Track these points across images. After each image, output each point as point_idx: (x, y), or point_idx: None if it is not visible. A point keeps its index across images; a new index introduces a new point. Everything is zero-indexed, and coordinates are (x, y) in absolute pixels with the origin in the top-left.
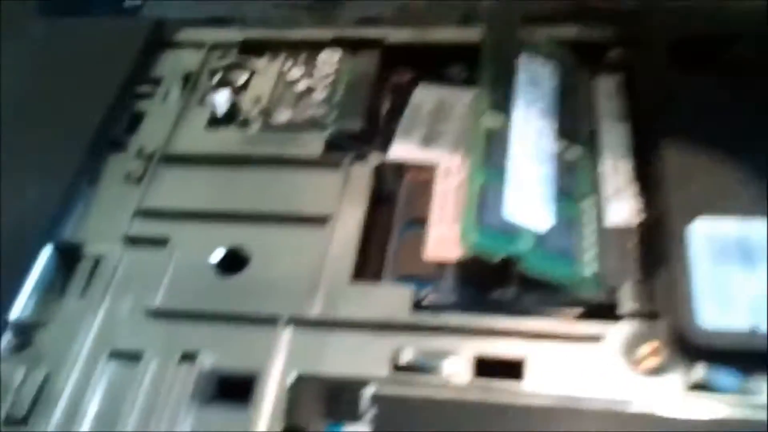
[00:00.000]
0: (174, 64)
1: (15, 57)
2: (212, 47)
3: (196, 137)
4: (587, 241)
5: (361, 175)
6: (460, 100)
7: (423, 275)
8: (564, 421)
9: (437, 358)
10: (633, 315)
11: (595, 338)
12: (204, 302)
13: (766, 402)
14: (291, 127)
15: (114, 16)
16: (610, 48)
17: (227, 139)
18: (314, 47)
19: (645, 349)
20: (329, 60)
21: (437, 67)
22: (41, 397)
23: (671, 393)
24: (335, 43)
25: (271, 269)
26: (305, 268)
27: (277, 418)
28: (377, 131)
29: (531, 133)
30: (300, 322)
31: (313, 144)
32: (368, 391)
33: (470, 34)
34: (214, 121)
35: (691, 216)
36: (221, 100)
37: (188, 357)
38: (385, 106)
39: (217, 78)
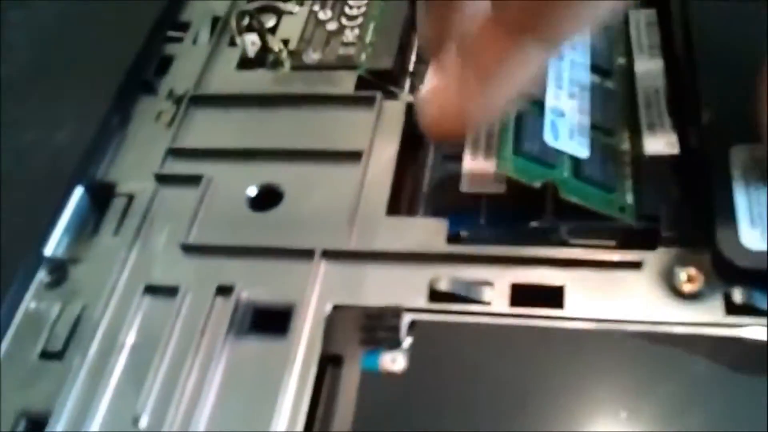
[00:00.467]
0: (202, 8)
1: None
2: None
3: (226, 78)
4: (625, 171)
5: (393, 112)
6: None
7: (458, 208)
8: (604, 345)
9: (474, 286)
10: (672, 241)
11: (634, 265)
12: (238, 237)
13: None
14: (322, 66)
15: None
16: None
17: (258, 80)
18: None
19: (685, 273)
20: (359, 0)
21: None
22: (77, 332)
23: (711, 316)
24: None
25: (305, 205)
26: (339, 203)
27: (314, 347)
28: (408, 70)
29: (566, 66)
30: (335, 255)
31: (345, 82)
32: (405, 319)
33: None
34: (245, 63)
35: (729, 143)
36: (250, 43)
37: (224, 290)
38: (416, 45)
39: (245, 21)
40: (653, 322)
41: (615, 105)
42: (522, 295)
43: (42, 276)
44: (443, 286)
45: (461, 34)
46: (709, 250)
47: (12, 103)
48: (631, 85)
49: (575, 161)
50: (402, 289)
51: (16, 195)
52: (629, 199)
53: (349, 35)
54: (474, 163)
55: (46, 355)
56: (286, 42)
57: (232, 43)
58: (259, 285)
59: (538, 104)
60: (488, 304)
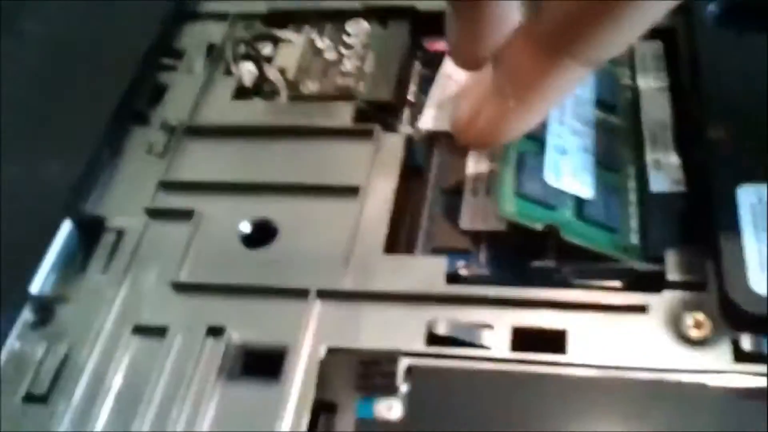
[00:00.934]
0: (197, 35)
1: (37, 26)
2: (236, 18)
3: (221, 108)
4: (629, 209)
5: (391, 145)
6: None
7: (458, 247)
8: (608, 392)
9: (474, 330)
10: (678, 284)
11: (639, 309)
12: (231, 275)
13: None
14: (320, 97)
15: None
16: None
17: (254, 110)
18: (342, 17)
19: (692, 318)
20: (358, 29)
21: None
22: (62, 374)
23: (719, 363)
24: (364, 12)
25: (301, 241)
26: (336, 240)
27: (307, 393)
28: (407, 101)
29: (569, 102)
30: (331, 295)
31: (343, 114)
32: (403, 364)
33: None
34: (241, 93)
35: (736, 182)
36: (246, 71)
37: (214, 331)
38: (415, 76)
39: (241, 49)
40: (659, 369)
41: (620, 141)
42: (523, 338)
43: (27, 315)
44: (442, 329)
45: (494, 44)
46: (716, 294)
47: None
48: (636, 120)
49: (578, 201)
50: (399, 332)
51: (2, 228)
52: (634, 239)
53: (348, 65)
54: (474, 200)
55: (30, 398)
56: (283, 71)
57: (228, 72)
58: (251, 326)
59: (539, 141)
60: (488, 348)
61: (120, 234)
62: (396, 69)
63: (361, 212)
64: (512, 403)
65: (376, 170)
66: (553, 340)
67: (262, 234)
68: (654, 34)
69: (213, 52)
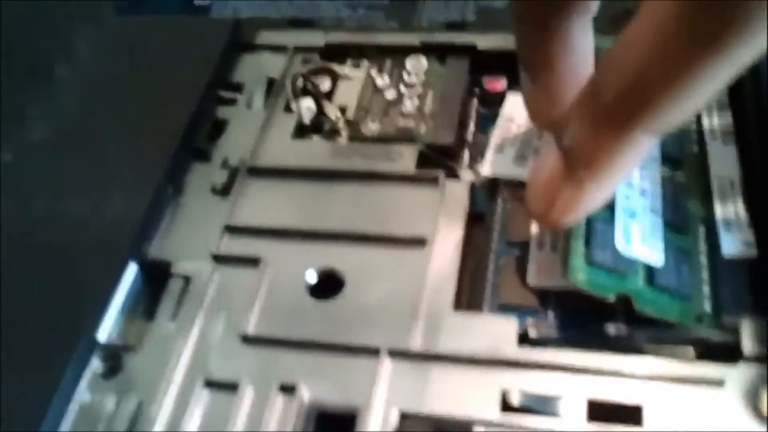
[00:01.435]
0: (255, 68)
1: (93, 60)
2: (294, 51)
3: (282, 148)
4: (701, 275)
5: (456, 193)
6: None
7: (525, 305)
8: None
9: (549, 400)
10: (755, 358)
11: (715, 382)
12: (299, 328)
13: None
14: (381, 138)
15: (190, 16)
16: None
17: (315, 151)
18: (400, 52)
19: None
20: (417, 67)
21: None
22: (135, 429)
23: None
24: (423, 48)
25: (368, 294)
26: (403, 293)
27: None
28: (466, 142)
29: None
30: (401, 354)
31: (405, 158)
32: None
33: None
34: (300, 130)
35: None
36: (305, 108)
37: (286, 389)
38: (474, 115)
39: (300, 83)
40: None
41: (688, 200)
42: (598, 408)
43: (96, 364)
44: (516, 399)
45: (561, 114)
46: None
47: (60, 167)
48: (704, 176)
49: (649, 268)
50: (472, 397)
51: (66, 271)
52: (707, 306)
53: (408, 105)
54: (540, 254)
55: None
56: (343, 110)
57: (288, 108)
58: (321, 383)
59: (608, 205)
60: (564, 419)
61: (187, 280)
62: (457, 110)
63: (428, 265)
64: None
65: (442, 220)
66: (629, 411)
67: (328, 284)
68: None
69: (272, 87)
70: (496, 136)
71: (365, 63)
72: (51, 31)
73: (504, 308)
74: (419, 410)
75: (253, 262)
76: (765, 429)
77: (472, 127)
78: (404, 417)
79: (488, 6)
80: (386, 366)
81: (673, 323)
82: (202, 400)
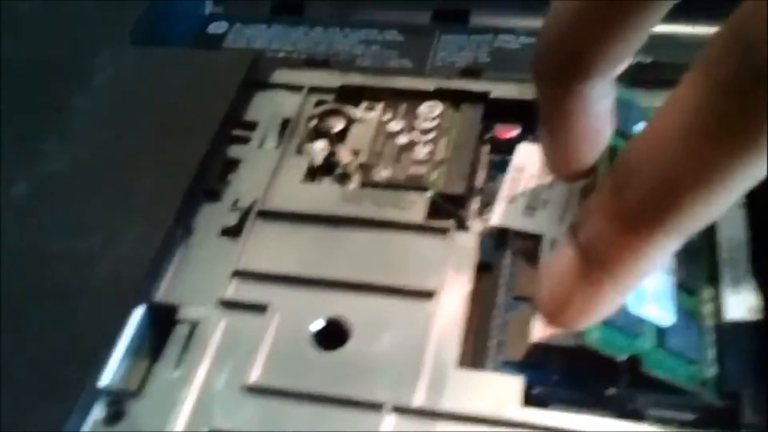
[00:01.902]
0: (269, 107)
1: (110, 91)
2: (309, 91)
3: (293, 191)
4: (707, 338)
5: (465, 244)
6: None
7: (530, 362)
8: None
9: None
10: (755, 427)
11: None
12: (303, 379)
13: None
14: (392, 185)
15: (209, 51)
16: None
17: (326, 196)
18: (415, 97)
19: None
20: (430, 112)
21: None
22: None
23: None
24: (438, 94)
25: (373, 346)
26: (408, 347)
27: None
28: (476, 189)
29: None
30: (404, 411)
31: (416, 206)
32: None
33: None
34: (312, 172)
35: None
36: (319, 150)
37: None
38: (486, 163)
39: (313, 124)
40: None
41: (697, 261)
42: None
43: (98, 410)
44: None
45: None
46: None
47: (71, 203)
48: (712, 237)
49: (659, 330)
50: None
51: (72, 311)
52: (711, 371)
53: (421, 151)
54: None
55: None
56: (355, 153)
57: (300, 149)
58: None
59: None
60: None
61: (193, 326)
62: (469, 159)
63: (435, 319)
64: None
65: (450, 272)
66: None
67: (334, 333)
68: None
69: (286, 128)
70: (506, 186)
71: (379, 106)
72: (70, 58)
73: (509, 365)
74: None
75: (260, 308)
76: None
77: (482, 174)
78: None
79: (502, 47)
80: (388, 422)
81: (677, 387)
82: None
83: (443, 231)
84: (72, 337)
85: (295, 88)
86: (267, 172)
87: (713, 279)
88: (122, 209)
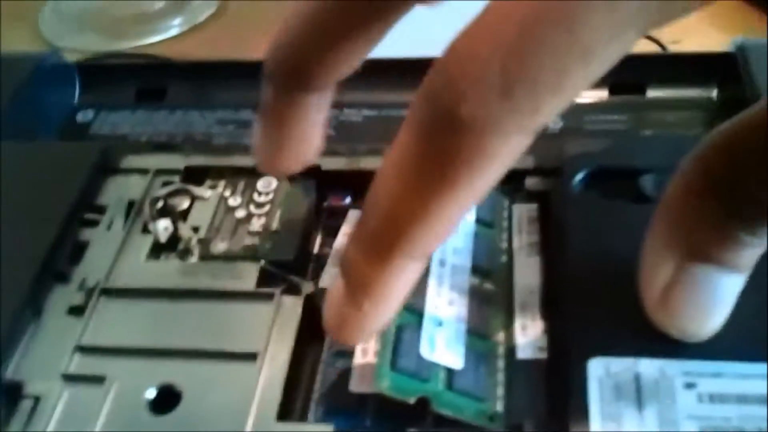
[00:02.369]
0: (119, 190)
1: None
2: (156, 173)
3: (136, 269)
4: (497, 377)
5: (290, 307)
6: None
7: (347, 410)
8: None
9: None
10: None
11: None
12: None
13: None
14: (228, 257)
15: (62, 142)
16: (528, 176)
17: (166, 271)
18: (254, 173)
19: None
20: (267, 187)
21: None
22: None
23: None
24: None
25: (202, 407)
26: (234, 406)
27: None
28: (312, 257)
29: (447, 272)
30: None
31: (249, 275)
32: None
33: None
34: (157, 249)
35: (589, 353)
36: (162, 229)
37: None
38: (321, 232)
39: (159, 205)
40: None
41: (493, 307)
42: None
43: None
44: None
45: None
46: None
47: None
48: (510, 285)
49: (449, 372)
50: None
51: None
52: (499, 407)
53: (256, 223)
54: (363, 362)
55: None
56: (196, 229)
57: (146, 229)
58: None
59: (418, 313)
60: None
61: (37, 400)
62: (300, 228)
63: (257, 379)
64: None
65: (275, 334)
66: None
67: (168, 398)
68: (531, 196)
69: (132, 209)
70: (335, 249)
71: (222, 184)
72: None
73: (328, 415)
74: None
75: (98, 380)
76: None
77: (318, 241)
78: None
79: (346, 120)
80: None
81: (470, 424)
82: None
83: (270, 296)
84: None
85: (142, 172)
86: (113, 251)
87: (509, 323)
88: None
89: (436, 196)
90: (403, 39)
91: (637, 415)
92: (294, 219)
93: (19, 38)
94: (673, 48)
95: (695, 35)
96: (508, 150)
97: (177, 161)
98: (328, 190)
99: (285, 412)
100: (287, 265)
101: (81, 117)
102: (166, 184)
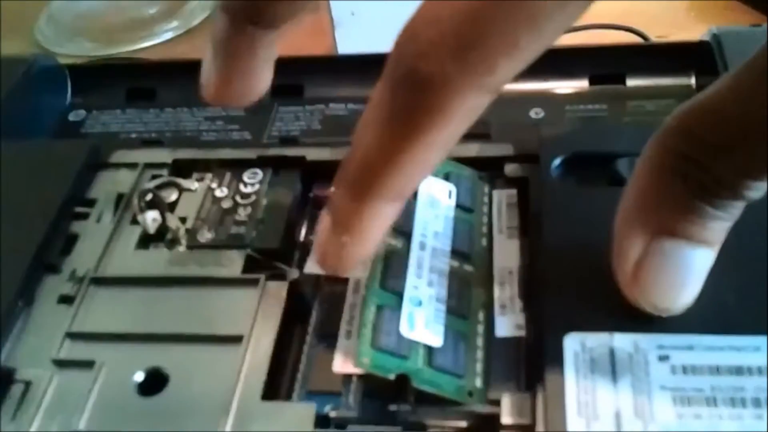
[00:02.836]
0: (108, 184)
1: None
2: (144, 167)
3: (125, 258)
4: (477, 354)
5: (276, 292)
6: None
7: (330, 390)
8: None
9: None
10: (510, 427)
11: None
12: (127, 424)
13: None
14: (214, 245)
15: (53, 140)
16: (507, 162)
17: (155, 260)
18: (239, 166)
19: None
20: (252, 178)
21: None
22: None
23: None
24: (259, 162)
25: (189, 389)
26: (219, 387)
27: None
28: (297, 245)
29: (426, 254)
30: None
31: (234, 263)
32: None
33: None
34: (145, 241)
35: (565, 329)
36: (150, 220)
37: None
38: (306, 220)
39: (148, 197)
40: None
41: (472, 288)
42: None
43: None
44: None
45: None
46: None
47: None
48: (489, 267)
49: (429, 350)
50: None
51: None
52: (479, 383)
53: (242, 213)
54: (347, 343)
55: None
56: (183, 220)
57: (135, 221)
58: None
59: (399, 294)
60: None
61: (28, 384)
62: (284, 217)
63: (242, 360)
64: None
65: (260, 318)
66: None
67: (155, 381)
68: (510, 182)
69: (121, 202)
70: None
71: (209, 176)
72: None
73: (311, 395)
74: None
75: (88, 365)
76: None
77: (304, 229)
78: None
79: (332, 114)
80: None
81: (450, 399)
82: None
83: (255, 282)
84: None
85: (131, 166)
86: (102, 242)
87: (488, 303)
88: None
89: (404, 145)
90: (393, 36)
91: (612, 386)
92: (279, 208)
93: (15, 47)
94: None
95: (683, 31)
96: (465, 107)
97: (165, 155)
98: (313, 180)
99: (270, 393)
100: (273, 252)
101: (73, 117)
102: (154, 177)
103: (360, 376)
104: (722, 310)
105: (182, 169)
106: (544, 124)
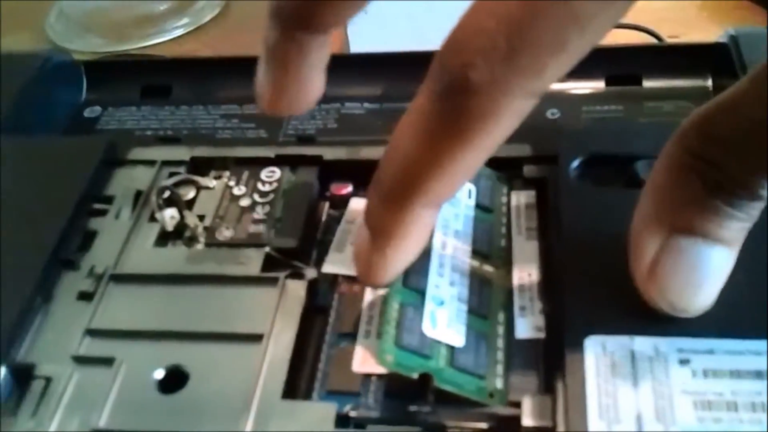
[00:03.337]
0: (126, 182)
1: None
2: (162, 165)
3: (144, 255)
4: (497, 355)
5: (295, 291)
6: None
7: (349, 390)
8: None
9: None
10: (531, 430)
11: None
12: (147, 421)
13: None
14: (233, 244)
15: (70, 137)
16: (525, 163)
17: (173, 258)
18: (257, 164)
19: None
20: (270, 176)
21: None
22: None
23: None
24: (278, 160)
25: (209, 386)
26: (239, 385)
27: None
28: (315, 243)
29: (448, 254)
30: None
31: (253, 261)
32: None
33: None
34: (163, 238)
35: (585, 331)
36: (169, 217)
37: None
38: (324, 219)
39: (165, 195)
40: None
41: (493, 288)
42: None
43: None
44: None
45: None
46: None
47: None
48: (509, 268)
49: (450, 350)
50: None
51: None
52: (499, 384)
53: (260, 212)
54: (367, 342)
55: None
56: (202, 217)
57: (153, 218)
58: None
59: (421, 293)
60: None
61: (48, 381)
62: (303, 215)
63: (263, 359)
64: None
65: (279, 316)
66: None
67: (175, 379)
68: (528, 182)
69: (139, 199)
70: (337, 236)
71: (226, 174)
72: None
73: (331, 394)
74: None
75: (108, 362)
76: None
77: (321, 228)
78: None
79: (348, 113)
80: None
81: (471, 400)
82: None
83: (274, 281)
84: None
85: (149, 163)
86: (121, 239)
87: (507, 305)
88: None
89: (448, 151)
90: (405, 34)
91: (633, 389)
92: (297, 207)
93: (26, 43)
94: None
95: (695, 30)
96: (512, 110)
97: (183, 153)
98: (330, 179)
99: (289, 392)
100: (291, 251)
101: (88, 113)
102: (172, 174)
103: (380, 376)
104: (742, 314)
105: (200, 166)
106: (562, 124)
